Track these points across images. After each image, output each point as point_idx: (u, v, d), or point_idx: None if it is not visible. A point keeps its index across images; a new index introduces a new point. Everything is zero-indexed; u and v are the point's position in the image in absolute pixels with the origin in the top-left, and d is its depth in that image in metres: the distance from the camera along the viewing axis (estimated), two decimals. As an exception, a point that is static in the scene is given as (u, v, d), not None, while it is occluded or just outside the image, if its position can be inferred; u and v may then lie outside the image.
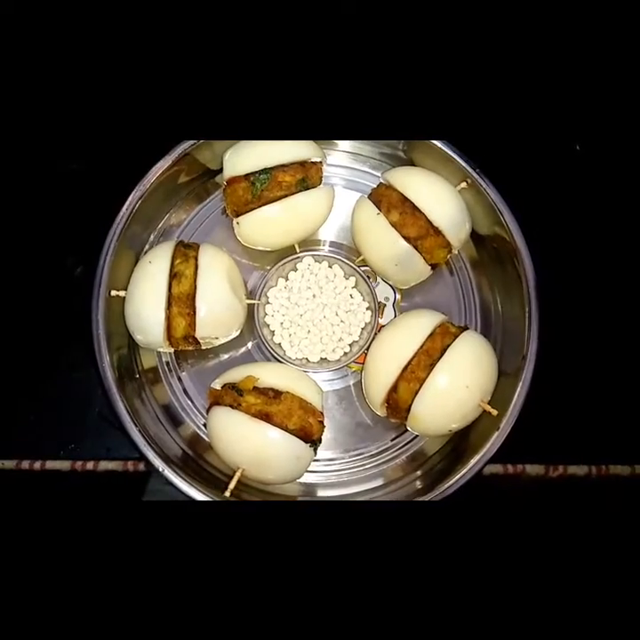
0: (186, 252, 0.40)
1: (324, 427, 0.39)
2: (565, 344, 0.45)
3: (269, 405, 0.36)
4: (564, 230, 0.48)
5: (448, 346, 0.38)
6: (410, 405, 0.38)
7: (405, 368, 0.38)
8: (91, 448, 0.43)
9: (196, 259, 0.39)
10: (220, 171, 0.46)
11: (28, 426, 0.43)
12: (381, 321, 0.44)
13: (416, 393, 0.37)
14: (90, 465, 0.43)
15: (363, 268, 0.44)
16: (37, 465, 0.44)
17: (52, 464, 0.43)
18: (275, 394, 0.37)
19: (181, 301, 0.38)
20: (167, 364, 0.45)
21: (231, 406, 0.37)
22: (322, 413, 0.38)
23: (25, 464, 0.44)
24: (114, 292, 0.40)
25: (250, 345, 0.45)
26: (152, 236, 0.45)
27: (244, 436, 0.36)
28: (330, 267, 0.44)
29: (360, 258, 0.44)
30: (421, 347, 0.38)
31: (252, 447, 0.36)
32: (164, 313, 0.38)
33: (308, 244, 0.45)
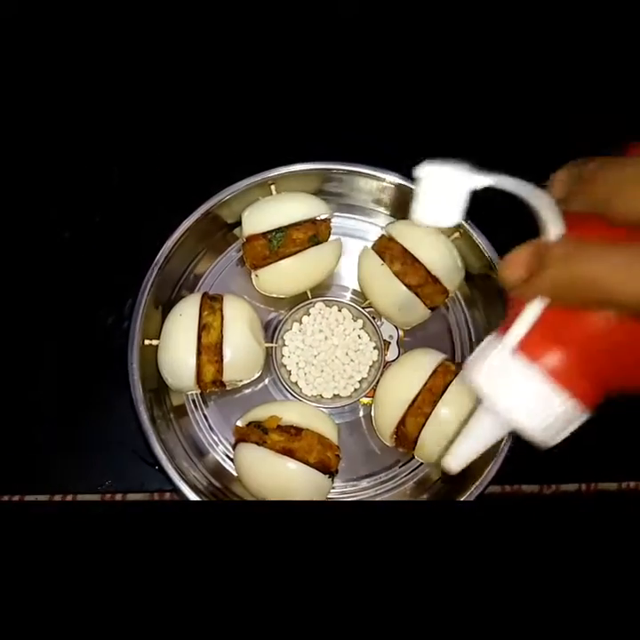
0: (212, 304, 0.44)
1: (340, 459, 0.43)
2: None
3: (292, 442, 0.41)
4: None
5: (449, 383, 0.42)
6: (417, 437, 0.42)
7: (412, 404, 0.42)
8: (126, 483, 0.46)
9: (222, 310, 0.44)
10: (237, 224, 0.51)
11: (65, 465, 0.47)
12: (387, 357, 0.49)
13: (422, 426, 0.42)
14: (118, 496, 0.47)
15: (368, 310, 0.49)
16: (69, 498, 0.48)
17: (82, 497, 0.47)
18: (296, 431, 0.41)
19: (210, 350, 0.42)
20: (193, 401, 0.49)
21: (257, 443, 0.41)
22: (338, 447, 0.42)
23: (57, 497, 0.47)
24: (147, 341, 0.44)
25: (267, 381, 0.49)
26: (177, 287, 0.50)
27: (270, 470, 0.40)
28: (339, 310, 0.49)
29: (366, 302, 0.49)
30: (425, 385, 0.42)
31: (277, 480, 0.40)
32: (195, 361, 0.42)
33: (319, 289, 0.50)
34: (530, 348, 0.20)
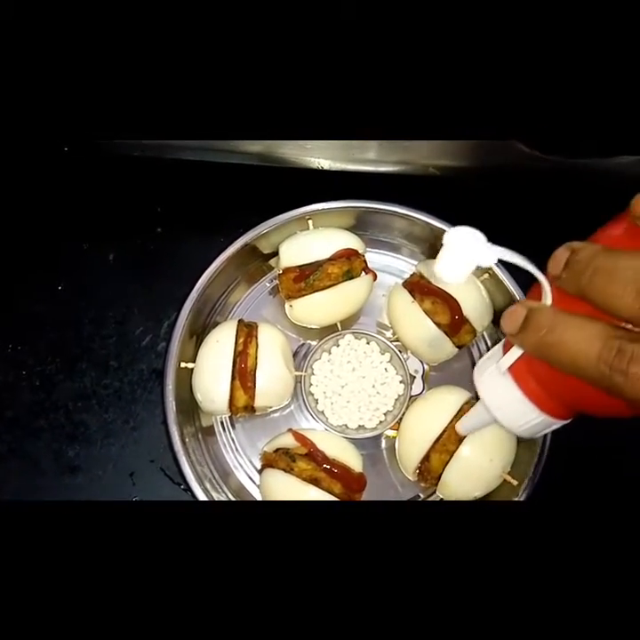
0: (247, 331, 0.46)
1: (364, 490, 0.44)
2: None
3: (318, 471, 0.42)
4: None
5: (474, 422, 0.43)
6: (440, 474, 0.43)
7: (437, 441, 0.43)
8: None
9: (256, 338, 0.45)
10: (272, 255, 0.53)
11: (95, 480, 0.49)
12: (412, 391, 0.50)
13: (446, 463, 0.43)
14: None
15: (395, 344, 0.50)
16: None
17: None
18: (323, 460, 0.42)
19: (244, 377, 0.44)
20: (222, 423, 0.51)
21: (284, 470, 0.42)
22: (365, 480, 0.43)
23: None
24: (183, 364, 0.46)
25: (293, 408, 0.51)
26: (211, 313, 0.51)
27: (295, 498, 0.41)
28: (367, 343, 0.50)
29: (395, 336, 0.50)
30: (451, 422, 0.43)
31: (303, 508, 0.41)
32: (229, 386, 0.44)
33: (348, 321, 0.51)
34: (516, 372, 0.27)
